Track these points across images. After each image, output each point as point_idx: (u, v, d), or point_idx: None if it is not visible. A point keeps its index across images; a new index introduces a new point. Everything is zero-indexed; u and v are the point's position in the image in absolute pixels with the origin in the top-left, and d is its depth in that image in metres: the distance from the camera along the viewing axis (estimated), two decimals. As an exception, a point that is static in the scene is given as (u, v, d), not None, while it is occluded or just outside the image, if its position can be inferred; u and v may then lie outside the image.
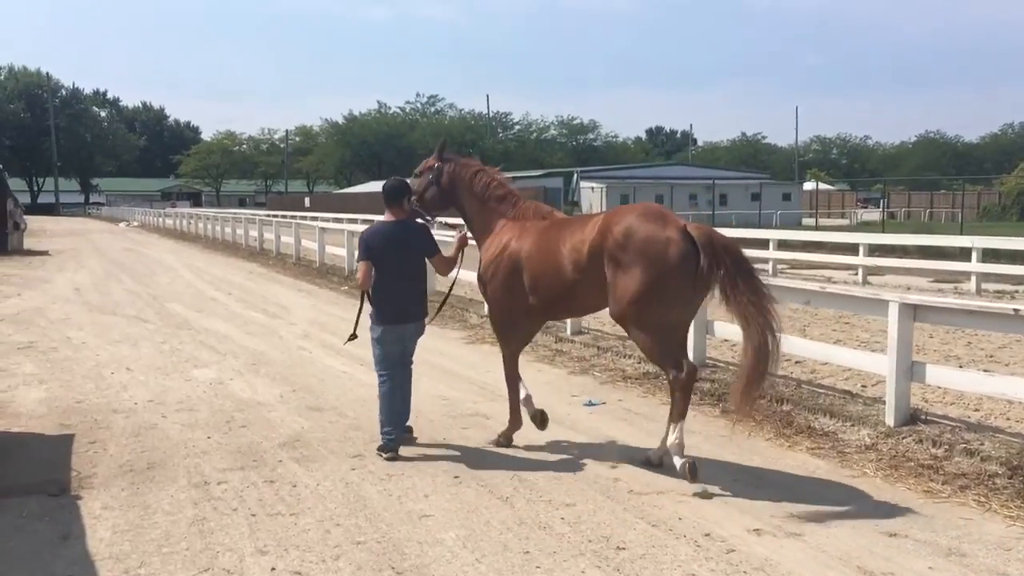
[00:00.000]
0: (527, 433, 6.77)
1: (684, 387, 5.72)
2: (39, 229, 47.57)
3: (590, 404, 7.91)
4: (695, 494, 5.43)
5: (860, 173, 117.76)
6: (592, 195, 60.75)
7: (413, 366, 6.59)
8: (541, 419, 6.55)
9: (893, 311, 6.79)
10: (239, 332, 11.87)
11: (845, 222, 69.43)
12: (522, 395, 6.57)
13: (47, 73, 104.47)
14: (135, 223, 57.51)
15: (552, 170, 73.73)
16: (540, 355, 10.19)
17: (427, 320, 6.59)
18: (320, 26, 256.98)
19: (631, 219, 5.70)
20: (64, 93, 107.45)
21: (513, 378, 6.56)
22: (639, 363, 9.41)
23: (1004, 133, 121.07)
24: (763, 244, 22.49)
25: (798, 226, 54.85)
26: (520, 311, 6.38)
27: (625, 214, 5.81)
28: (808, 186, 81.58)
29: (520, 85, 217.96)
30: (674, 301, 5.65)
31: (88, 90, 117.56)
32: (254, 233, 29.49)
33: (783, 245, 22.45)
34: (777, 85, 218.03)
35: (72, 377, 8.92)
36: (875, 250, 20.25)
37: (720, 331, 9.09)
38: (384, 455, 6.15)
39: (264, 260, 24.73)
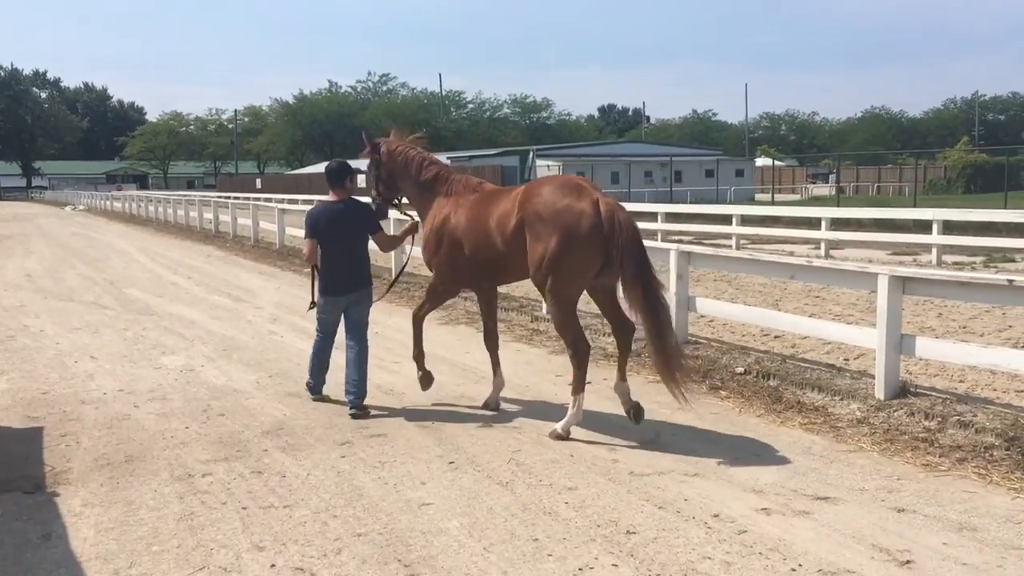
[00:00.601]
0: (518, 413, 6.63)
1: (579, 360, 6.12)
2: (-19, 214, 46.16)
3: (575, 384, 7.77)
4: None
5: (808, 149, 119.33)
6: (548, 173, 60.55)
7: (370, 340, 7.14)
8: (427, 381, 7.14)
9: (883, 284, 6.76)
10: (205, 317, 11.52)
11: (796, 197, 70.37)
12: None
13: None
14: (81, 207, 56.04)
15: (507, 148, 73.32)
16: (517, 335, 10.04)
17: (376, 297, 7.26)
18: (265, 4, 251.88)
19: (548, 190, 6.07)
20: (2, 74, 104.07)
21: (419, 333, 7.15)
22: (619, 341, 9.32)
23: (947, 108, 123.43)
24: (726, 220, 22.61)
25: (751, 202, 55.38)
26: (458, 279, 6.91)
27: (543, 185, 6.19)
28: (760, 162, 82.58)
29: (472, 64, 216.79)
30: (582, 271, 6.00)
31: (28, 71, 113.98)
32: (209, 215, 28.82)
33: (744, 221, 22.55)
34: (726, 63, 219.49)
35: (34, 367, 8.55)
36: (834, 224, 20.43)
37: (702, 307, 9.04)
38: (311, 396, 7.19)
39: (221, 243, 24.18)
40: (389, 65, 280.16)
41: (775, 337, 9.52)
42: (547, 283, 6.03)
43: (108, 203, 51.01)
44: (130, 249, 22.73)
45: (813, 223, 21.11)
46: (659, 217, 23.29)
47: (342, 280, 6.86)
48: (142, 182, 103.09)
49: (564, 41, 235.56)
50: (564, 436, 6.09)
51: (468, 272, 6.73)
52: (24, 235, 29.08)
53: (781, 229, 21.73)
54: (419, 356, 7.12)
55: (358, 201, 7.10)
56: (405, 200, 7.40)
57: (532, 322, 10.72)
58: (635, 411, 6.28)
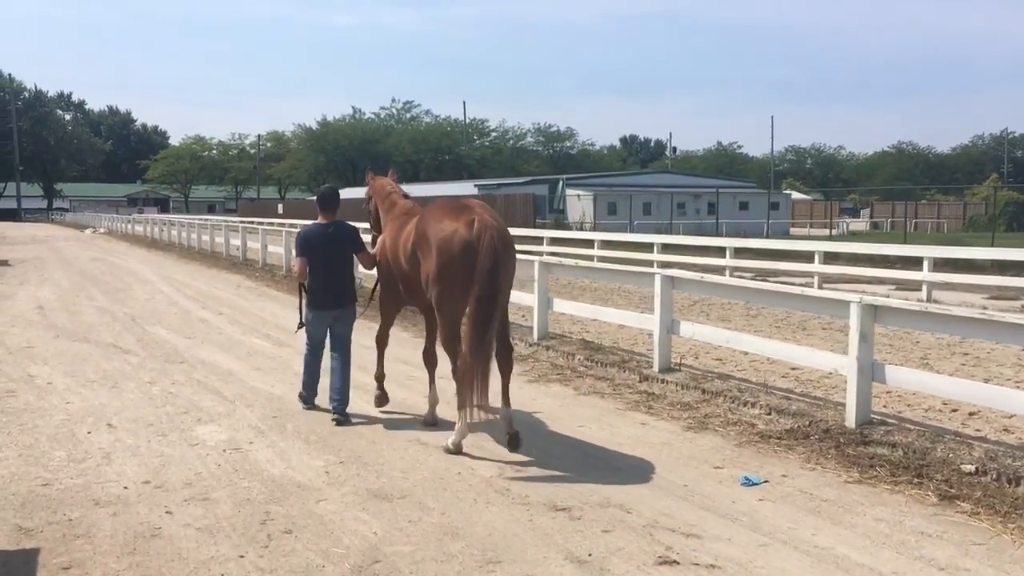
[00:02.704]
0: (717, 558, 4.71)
1: (459, 378, 6.24)
2: (-2, 236, 44.75)
3: (748, 483, 5.82)
4: None
5: (834, 183, 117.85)
6: (578, 203, 58.79)
7: (352, 354, 7.59)
8: (381, 400, 7.64)
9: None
10: (244, 367, 9.64)
11: (830, 232, 68.23)
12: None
13: (9, 75, 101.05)
14: (101, 229, 54.59)
15: (536, 177, 71.68)
16: (629, 400, 8.12)
17: (361, 310, 7.75)
18: (289, 33, 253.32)
19: (433, 211, 6.53)
20: (27, 95, 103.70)
21: (383, 346, 7.67)
22: (769, 413, 7.38)
23: (975, 144, 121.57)
24: (816, 258, 20.59)
25: (787, 236, 53.35)
26: (395, 295, 7.37)
27: (433, 207, 6.61)
28: (795, 196, 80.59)
29: (494, 93, 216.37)
30: (458, 286, 6.17)
31: (52, 93, 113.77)
32: (236, 242, 27.07)
33: (830, 258, 20.54)
34: (748, 96, 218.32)
35: (35, 440, 6.66)
36: (940, 264, 18.50)
37: (895, 377, 7.05)
38: (303, 405, 7.70)
39: (250, 272, 22.37)
40: (412, 92, 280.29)
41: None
42: (432, 298, 6.44)
43: (129, 226, 49.48)
44: (153, 277, 20.94)
45: (911, 262, 19.09)
46: (727, 252, 21.38)
47: (329, 296, 7.39)
48: (163, 205, 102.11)
49: (583, 72, 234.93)
50: (454, 451, 6.29)
51: (398, 290, 7.22)
52: (41, 259, 27.40)
53: (875, 269, 19.59)
54: (380, 376, 7.68)
55: (345, 223, 7.62)
56: None
57: (641, 381, 8.81)
58: (511, 439, 6.41)
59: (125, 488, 5.54)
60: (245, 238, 26.53)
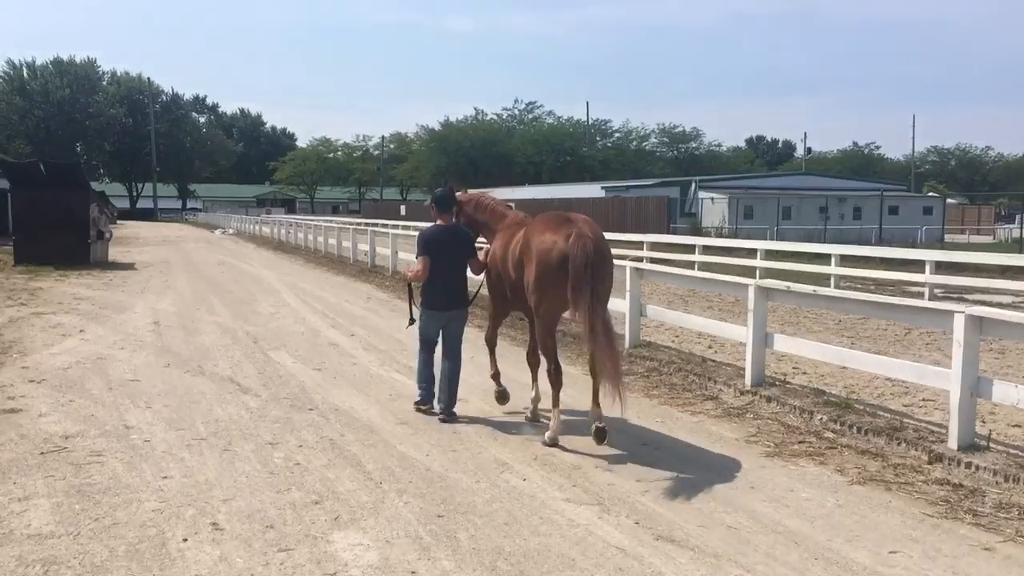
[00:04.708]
0: None
1: (552, 379, 6.78)
2: (132, 236, 45.17)
3: None
4: None
5: (980, 186, 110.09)
6: (712, 206, 55.45)
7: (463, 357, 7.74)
8: (501, 396, 7.82)
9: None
10: (388, 420, 7.51)
11: (989, 239, 62.47)
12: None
13: (148, 78, 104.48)
14: (230, 230, 54.82)
15: (666, 179, 68.53)
16: (926, 496, 5.59)
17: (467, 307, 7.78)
18: (410, 37, 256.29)
19: (537, 224, 6.95)
20: (164, 99, 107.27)
21: (493, 353, 7.98)
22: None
23: None
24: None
25: (941, 244, 48.53)
26: (502, 300, 7.69)
27: (537, 219, 7.04)
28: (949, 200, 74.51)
29: (616, 94, 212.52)
30: (554, 293, 6.59)
31: (188, 96, 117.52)
32: (364, 247, 25.47)
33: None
34: (885, 95, 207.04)
35: (109, 553, 4.62)
36: None
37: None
38: (421, 407, 7.67)
39: (380, 281, 20.55)
40: (534, 95, 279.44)
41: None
42: (531, 303, 6.88)
43: (257, 227, 49.35)
44: (278, 286, 19.38)
45: None
46: (927, 267, 18.21)
47: (446, 296, 7.50)
48: (290, 206, 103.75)
49: (703, 74, 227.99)
50: (551, 444, 6.69)
51: (505, 295, 7.56)
52: (167, 263, 26.51)
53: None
54: (495, 375, 7.83)
55: (462, 227, 7.79)
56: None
57: (933, 463, 6.25)
58: (598, 432, 6.56)
59: None
60: (374, 242, 24.87)
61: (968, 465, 6.17)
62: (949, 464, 6.26)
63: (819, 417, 7.57)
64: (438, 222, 7.63)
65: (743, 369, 9.07)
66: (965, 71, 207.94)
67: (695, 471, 6.20)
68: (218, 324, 13.20)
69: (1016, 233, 66.89)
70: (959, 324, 6.33)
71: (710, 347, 11.45)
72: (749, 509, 5.42)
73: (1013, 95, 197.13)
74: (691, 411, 8.07)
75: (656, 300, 15.60)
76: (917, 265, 20.20)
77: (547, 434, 6.76)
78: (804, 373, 9.67)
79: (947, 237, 57.81)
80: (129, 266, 24.62)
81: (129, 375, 9.28)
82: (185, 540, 4.77)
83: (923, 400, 8.38)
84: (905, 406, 8.17)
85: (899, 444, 6.78)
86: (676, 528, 5.08)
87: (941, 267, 19.21)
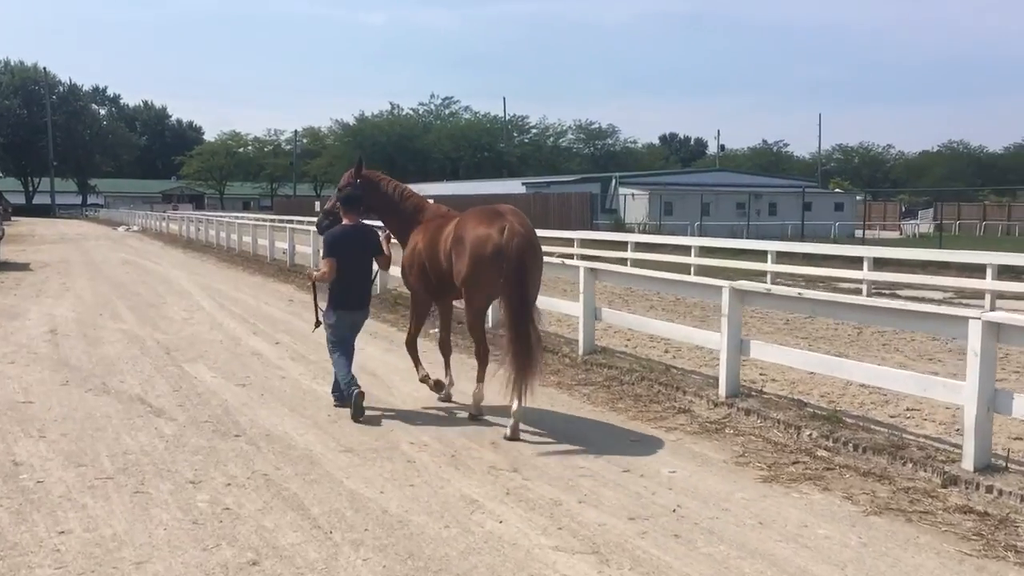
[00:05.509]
0: None
1: (480, 358, 7.34)
2: (28, 233, 42.44)
3: None
4: None
5: (882, 183, 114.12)
6: (633, 203, 55.47)
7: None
8: (436, 386, 7.89)
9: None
10: (330, 446, 6.53)
11: (896, 235, 64.35)
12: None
13: (44, 68, 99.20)
14: (135, 227, 52.14)
15: (586, 175, 68.39)
16: (949, 527, 4.96)
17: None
18: (322, 31, 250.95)
19: (467, 218, 7.18)
20: (62, 89, 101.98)
21: (414, 348, 8.10)
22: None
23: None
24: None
25: (852, 239, 49.49)
26: (426, 295, 7.85)
27: (470, 213, 7.25)
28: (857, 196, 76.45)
29: (530, 91, 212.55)
30: (487, 284, 6.98)
31: (87, 87, 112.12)
32: (282, 244, 24.09)
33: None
34: (790, 96, 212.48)
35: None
36: None
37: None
38: (339, 403, 7.61)
39: (301, 281, 19.18)
40: (449, 90, 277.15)
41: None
42: (465, 297, 7.19)
43: (164, 224, 46.91)
44: (190, 288, 17.97)
45: None
46: (865, 264, 18.00)
47: (356, 296, 7.64)
48: (198, 202, 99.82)
49: (616, 72, 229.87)
50: (476, 415, 7.30)
51: (430, 287, 7.65)
52: (66, 263, 24.60)
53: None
54: (424, 377, 7.92)
55: (367, 225, 7.88)
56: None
57: (948, 487, 5.64)
58: (512, 431, 6.71)
59: None
60: (293, 240, 23.54)
61: (989, 489, 5.56)
62: (967, 488, 5.65)
63: (808, 433, 6.90)
64: (344, 222, 7.69)
65: (712, 378, 8.41)
66: (868, 72, 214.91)
67: (692, 503, 5.43)
68: (124, 332, 11.89)
69: (921, 228, 69.22)
70: (975, 331, 5.71)
71: (667, 351, 10.76)
72: (766, 553, 4.67)
73: (912, 96, 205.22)
74: (664, 427, 7.32)
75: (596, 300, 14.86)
76: (843, 261, 20.12)
77: (472, 409, 7.35)
78: (774, 380, 9.03)
79: (857, 232, 59.25)
80: (23, 266, 22.69)
81: (20, 395, 8.03)
82: (88, 626, 3.74)
83: (907, 409, 7.83)
84: (891, 416, 7.60)
85: (904, 464, 6.14)
86: (692, 582, 4.28)
87: (877, 263, 19.06)
